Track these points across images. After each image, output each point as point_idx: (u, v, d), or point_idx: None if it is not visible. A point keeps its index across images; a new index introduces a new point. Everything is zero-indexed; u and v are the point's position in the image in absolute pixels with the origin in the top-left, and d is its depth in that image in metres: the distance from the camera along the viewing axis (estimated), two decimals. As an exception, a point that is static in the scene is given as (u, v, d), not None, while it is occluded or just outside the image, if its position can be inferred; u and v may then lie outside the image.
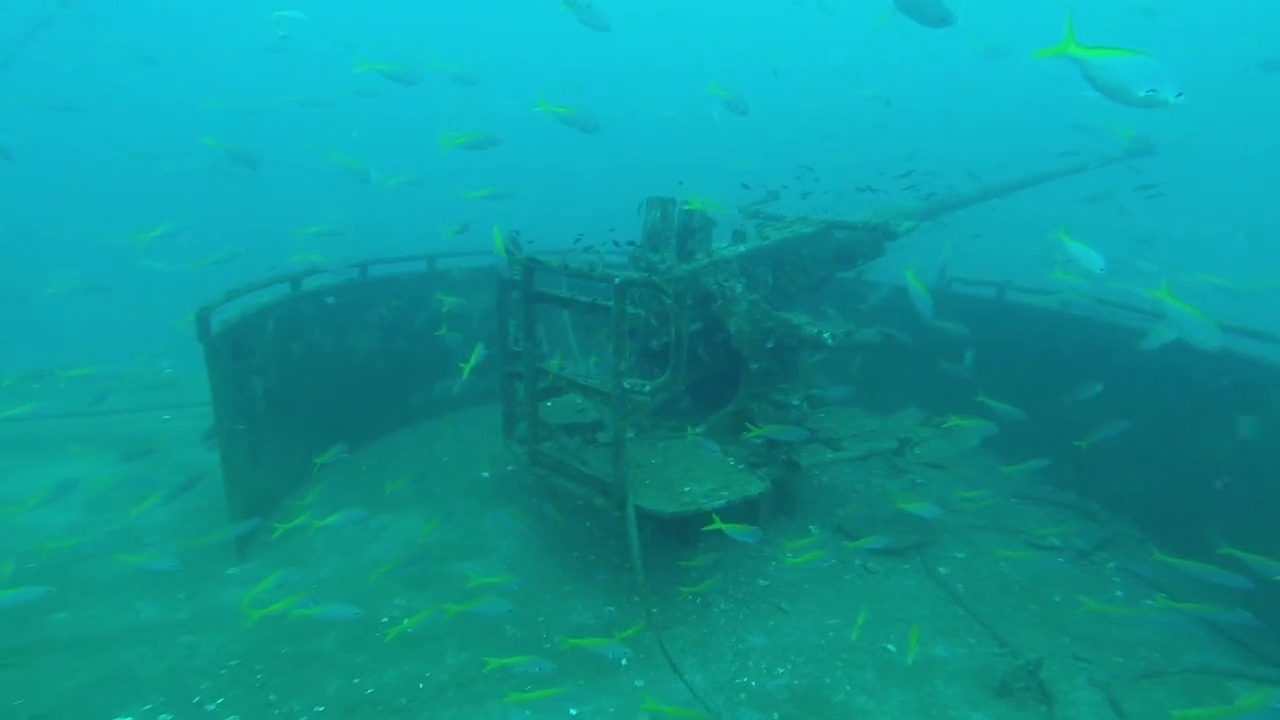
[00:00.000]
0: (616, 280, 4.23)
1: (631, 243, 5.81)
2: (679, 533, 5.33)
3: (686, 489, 4.81)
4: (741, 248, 5.62)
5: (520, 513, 5.86)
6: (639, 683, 4.10)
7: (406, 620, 4.40)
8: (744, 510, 5.04)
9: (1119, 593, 5.00)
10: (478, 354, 6.83)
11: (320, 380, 6.83)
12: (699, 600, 4.85)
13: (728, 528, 4.45)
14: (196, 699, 3.98)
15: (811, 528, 5.71)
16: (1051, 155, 8.65)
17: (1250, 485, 5.11)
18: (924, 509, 4.96)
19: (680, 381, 4.61)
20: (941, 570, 5.18)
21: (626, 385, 4.44)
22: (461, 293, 7.95)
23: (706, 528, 4.51)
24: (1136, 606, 4.71)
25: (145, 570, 5.03)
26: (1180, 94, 3.32)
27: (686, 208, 5.57)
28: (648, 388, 4.51)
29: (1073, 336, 6.54)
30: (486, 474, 6.85)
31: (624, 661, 4.25)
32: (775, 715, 3.83)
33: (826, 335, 5.15)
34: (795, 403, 5.46)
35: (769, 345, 5.37)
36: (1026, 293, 6.99)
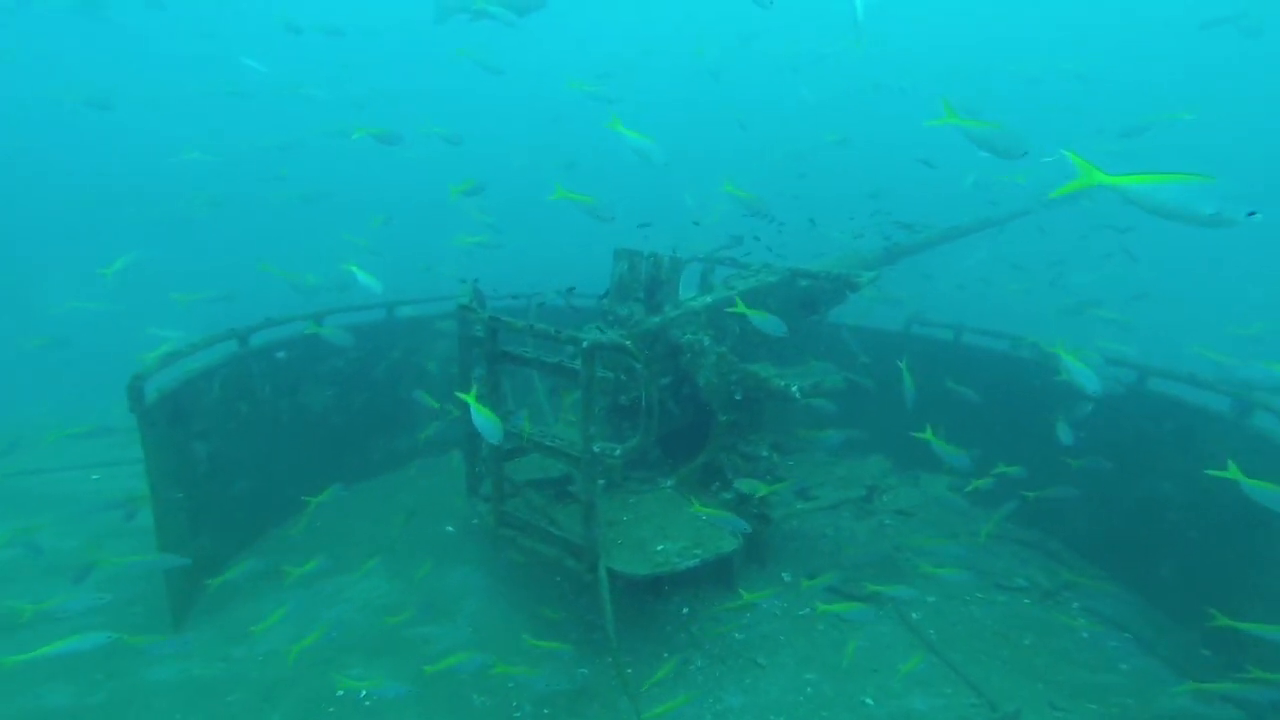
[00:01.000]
0: (585, 344, 4.17)
1: (605, 295, 5.80)
2: (651, 585, 5.25)
3: (660, 548, 4.75)
4: (708, 298, 5.66)
5: (486, 570, 5.72)
6: (617, 752, 3.99)
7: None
8: (717, 565, 5.00)
9: (1085, 634, 5.08)
10: (426, 398, 6.94)
11: (271, 439, 6.62)
12: (676, 658, 4.76)
13: (753, 596, 4.75)
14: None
15: (784, 575, 5.69)
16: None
17: (1195, 523, 5.30)
18: (953, 573, 5.22)
19: (651, 443, 4.57)
20: (914, 616, 5.20)
21: (597, 449, 4.37)
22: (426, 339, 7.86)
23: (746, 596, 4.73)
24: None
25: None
26: (1254, 213, 3.15)
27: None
28: (618, 451, 4.46)
29: (1025, 379, 6.74)
30: (451, 528, 6.67)
31: (601, 730, 4.15)
32: (758, 783, 3.76)
33: (794, 388, 5.19)
34: (764, 454, 5.48)
35: (737, 397, 5.38)
36: (982, 334, 7.19)
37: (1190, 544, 5.28)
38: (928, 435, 5.15)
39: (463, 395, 4.67)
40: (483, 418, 4.36)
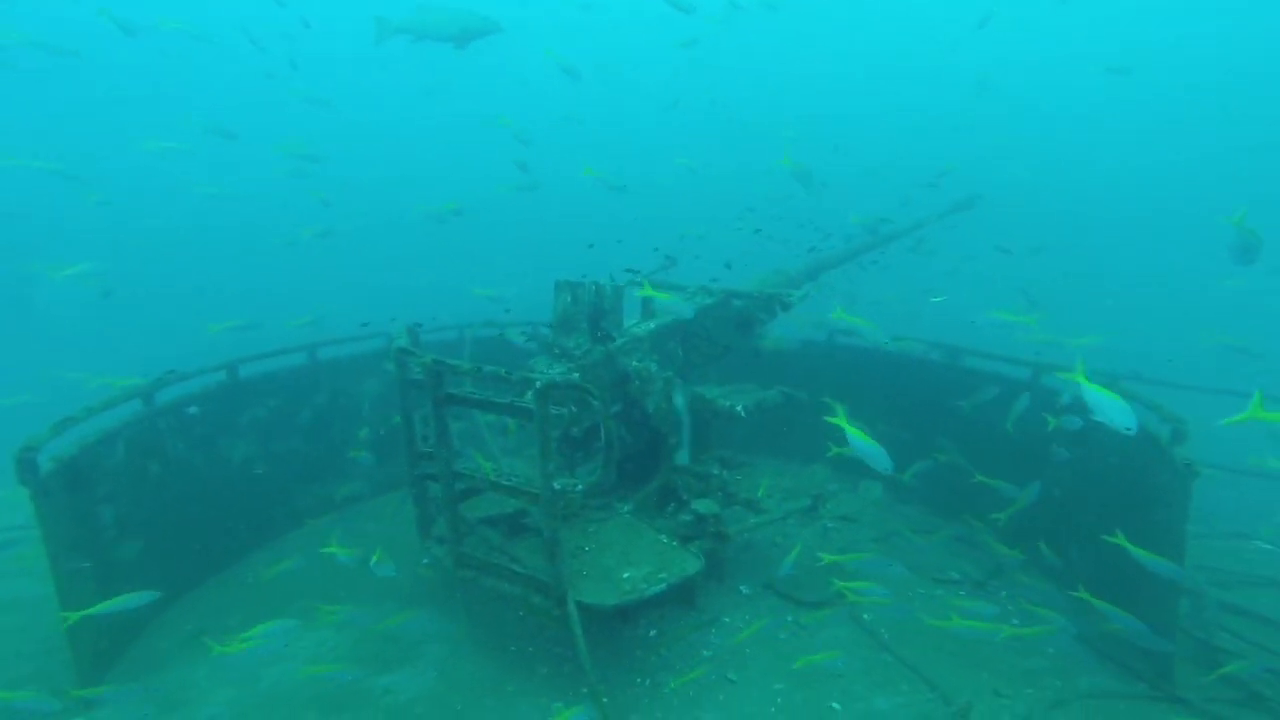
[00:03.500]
0: (538, 384, 4.18)
1: (546, 327, 5.83)
2: (619, 612, 5.30)
3: (626, 575, 4.83)
4: (652, 324, 5.79)
5: (443, 612, 5.60)
6: (604, 786, 4.04)
7: None
8: (680, 585, 5.12)
9: (1015, 620, 5.54)
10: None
11: (186, 496, 6.28)
12: (649, 682, 4.86)
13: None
14: None
15: (741, 588, 5.90)
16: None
17: (1087, 510, 5.81)
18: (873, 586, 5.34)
19: (611, 476, 4.64)
20: (865, 617, 5.51)
21: (558, 486, 4.40)
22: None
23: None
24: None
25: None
26: None
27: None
28: (579, 487, 4.50)
29: (936, 380, 7.29)
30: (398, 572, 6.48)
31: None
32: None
33: (739, 408, 5.41)
34: (715, 472, 5.68)
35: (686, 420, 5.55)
36: (901, 340, 7.71)
37: (1086, 530, 5.83)
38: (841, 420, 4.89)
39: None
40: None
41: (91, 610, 4.57)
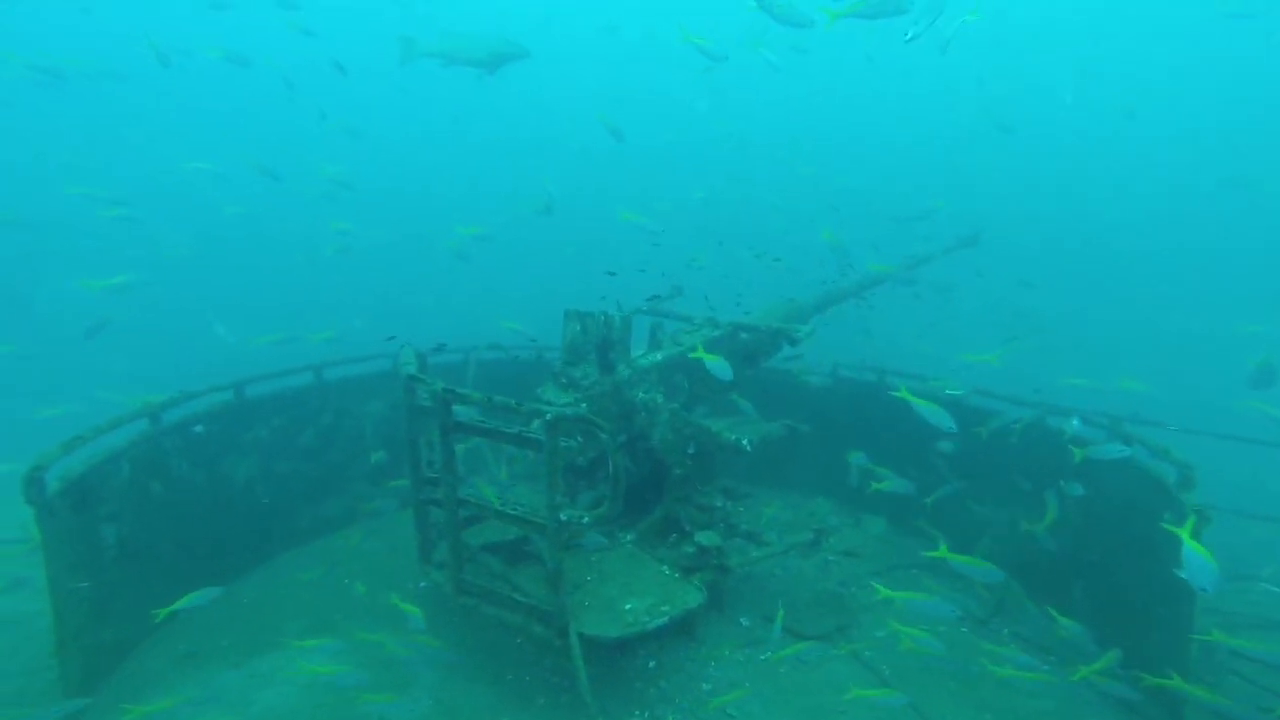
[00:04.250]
0: (548, 416, 4.21)
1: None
2: (619, 642, 5.27)
3: (628, 606, 4.81)
4: (658, 356, 5.83)
5: (440, 638, 5.56)
6: (603, 823, 3.98)
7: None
8: (682, 617, 5.10)
9: (1020, 659, 5.50)
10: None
11: (188, 516, 6.29)
12: (647, 715, 4.81)
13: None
14: None
15: (742, 620, 5.85)
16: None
17: (1093, 548, 5.83)
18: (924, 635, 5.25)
19: (618, 509, 4.64)
20: (867, 654, 5.47)
21: (564, 517, 4.40)
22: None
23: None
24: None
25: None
26: None
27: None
28: (586, 519, 4.49)
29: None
30: (395, 596, 6.43)
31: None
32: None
33: (745, 441, 5.42)
34: (719, 504, 5.68)
35: (690, 451, 5.56)
36: (901, 377, 7.74)
37: (1091, 567, 5.83)
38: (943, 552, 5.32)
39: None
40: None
41: (173, 607, 4.92)
